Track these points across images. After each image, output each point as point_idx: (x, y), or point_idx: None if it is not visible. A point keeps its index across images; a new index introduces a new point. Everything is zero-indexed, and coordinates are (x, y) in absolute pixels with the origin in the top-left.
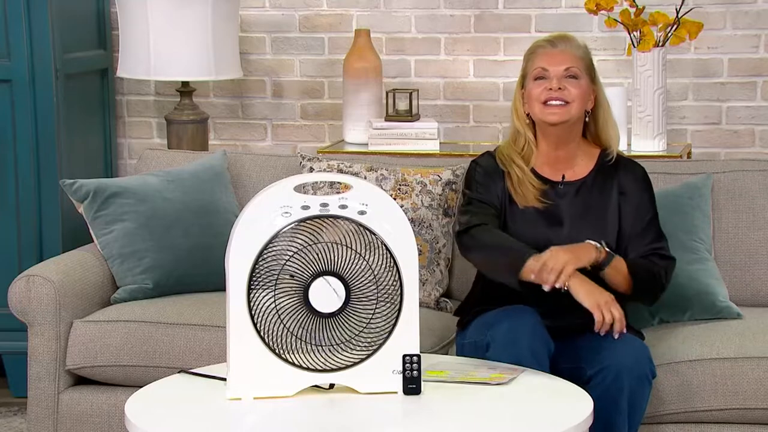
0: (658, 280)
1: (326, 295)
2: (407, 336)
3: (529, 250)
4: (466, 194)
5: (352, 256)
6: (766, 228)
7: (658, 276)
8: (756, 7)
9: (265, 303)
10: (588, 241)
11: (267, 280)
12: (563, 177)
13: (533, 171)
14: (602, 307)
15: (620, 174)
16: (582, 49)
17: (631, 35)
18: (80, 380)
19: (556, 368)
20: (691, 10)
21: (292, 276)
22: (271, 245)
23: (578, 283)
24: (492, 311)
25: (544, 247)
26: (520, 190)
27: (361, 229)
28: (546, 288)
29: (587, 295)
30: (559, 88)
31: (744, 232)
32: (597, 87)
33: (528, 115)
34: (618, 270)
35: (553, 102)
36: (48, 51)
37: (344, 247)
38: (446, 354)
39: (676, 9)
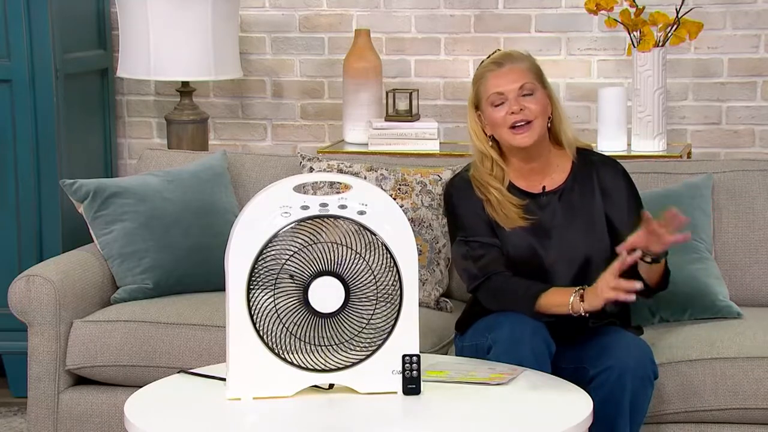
0: (668, 280)
1: (326, 295)
2: (407, 336)
3: (539, 287)
4: (459, 237)
5: (352, 256)
6: (766, 228)
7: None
8: (756, 7)
9: (264, 303)
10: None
11: (266, 280)
12: (543, 188)
13: (511, 186)
14: (605, 294)
15: (599, 172)
16: (527, 61)
17: (631, 35)
18: (80, 380)
19: (557, 369)
20: (691, 10)
21: (291, 276)
22: (270, 245)
23: (588, 303)
24: (491, 314)
25: (537, 261)
26: (502, 213)
27: (361, 229)
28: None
29: (594, 301)
30: (521, 110)
31: (744, 231)
32: (549, 90)
33: (491, 136)
34: (660, 265)
35: (519, 125)
36: (48, 51)
37: (344, 247)
38: (446, 354)
39: (676, 9)
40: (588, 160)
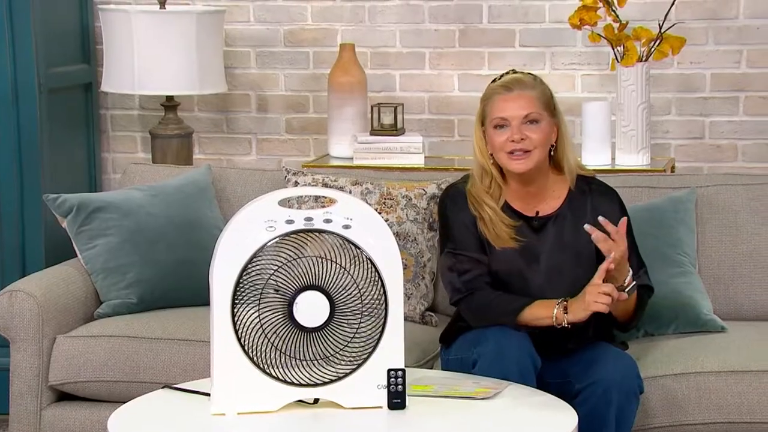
0: (642, 314)
1: (311, 309)
2: (392, 350)
3: (523, 300)
4: (448, 249)
5: (337, 271)
6: (749, 242)
7: (644, 311)
8: (738, 23)
9: (249, 318)
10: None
11: (251, 295)
12: (537, 213)
13: (506, 205)
14: (592, 306)
15: (594, 200)
16: (538, 89)
17: (615, 50)
18: (63, 396)
19: (543, 383)
20: (673, 25)
21: (276, 290)
22: (255, 260)
23: (572, 315)
24: (477, 328)
25: (523, 285)
26: (494, 231)
27: (346, 243)
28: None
29: (579, 313)
30: (522, 139)
31: (727, 246)
32: (558, 118)
33: (492, 154)
34: (628, 301)
35: (517, 153)
36: (31, 65)
37: (329, 262)
38: (431, 368)
39: (659, 24)
40: (586, 188)
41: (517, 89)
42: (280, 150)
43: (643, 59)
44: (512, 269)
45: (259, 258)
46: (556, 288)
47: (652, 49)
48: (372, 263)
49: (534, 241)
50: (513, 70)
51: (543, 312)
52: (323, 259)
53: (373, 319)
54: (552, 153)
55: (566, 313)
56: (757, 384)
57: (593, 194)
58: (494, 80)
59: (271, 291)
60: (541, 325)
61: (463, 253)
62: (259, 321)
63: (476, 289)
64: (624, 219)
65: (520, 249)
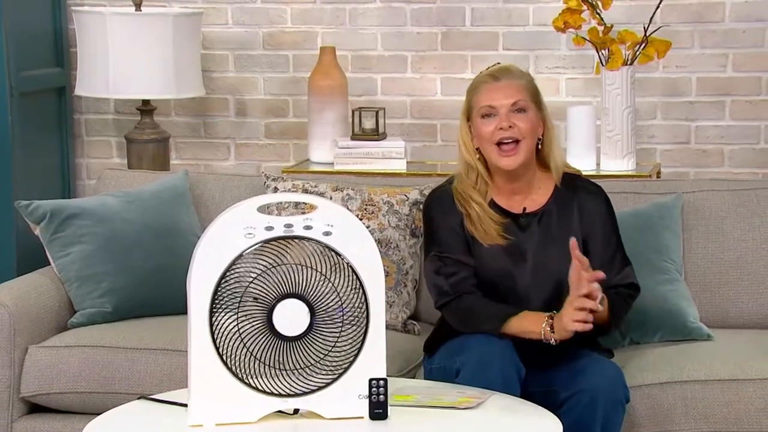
0: (625, 315)
1: (291, 317)
2: (373, 359)
3: (510, 309)
4: (434, 252)
5: (317, 278)
6: (735, 248)
7: (626, 312)
8: (723, 26)
9: (227, 326)
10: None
11: (230, 303)
12: (524, 209)
13: (492, 203)
14: (570, 327)
15: (580, 197)
16: (525, 78)
17: (600, 53)
18: (35, 408)
19: (527, 392)
20: (659, 28)
21: (255, 299)
22: (233, 267)
23: (557, 334)
24: (461, 336)
25: (510, 283)
26: (481, 228)
27: (327, 250)
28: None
29: (562, 333)
30: (510, 126)
31: (714, 252)
32: (544, 112)
33: (478, 149)
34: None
35: (506, 141)
36: (2, 68)
37: (309, 269)
38: (413, 378)
39: (645, 27)
40: (572, 185)
41: (505, 78)
42: (259, 155)
43: (629, 63)
44: (499, 268)
45: (238, 265)
46: (543, 285)
47: (638, 52)
48: (353, 270)
49: (521, 239)
50: (498, 63)
51: (531, 327)
52: (303, 267)
53: (354, 327)
54: (539, 147)
55: (553, 331)
56: (744, 393)
57: (579, 192)
58: (480, 72)
59: (250, 299)
60: (527, 338)
61: (450, 255)
62: (238, 330)
63: (464, 292)
64: (573, 239)
65: (507, 247)
